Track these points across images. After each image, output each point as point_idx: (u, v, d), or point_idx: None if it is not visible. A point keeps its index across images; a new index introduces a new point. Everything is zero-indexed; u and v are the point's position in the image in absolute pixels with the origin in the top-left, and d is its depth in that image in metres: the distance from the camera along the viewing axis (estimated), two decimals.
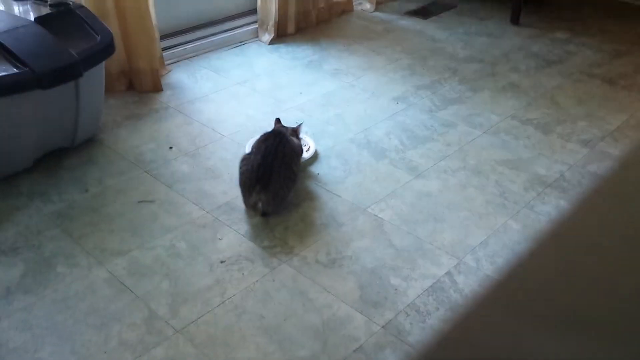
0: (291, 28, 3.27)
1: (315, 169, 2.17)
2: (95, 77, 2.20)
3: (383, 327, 1.54)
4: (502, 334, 0.31)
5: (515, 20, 3.41)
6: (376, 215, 1.93)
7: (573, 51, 3.09)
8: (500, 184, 2.07)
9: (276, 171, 1.88)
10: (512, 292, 0.34)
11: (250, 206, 1.92)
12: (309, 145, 2.25)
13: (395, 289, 1.65)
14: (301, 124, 2.18)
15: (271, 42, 3.18)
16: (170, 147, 2.29)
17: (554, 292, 0.34)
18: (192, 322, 1.55)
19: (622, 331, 0.31)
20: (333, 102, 2.62)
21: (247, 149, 2.15)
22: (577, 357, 0.28)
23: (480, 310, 0.34)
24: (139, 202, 1.99)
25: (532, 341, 0.30)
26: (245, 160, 1.96)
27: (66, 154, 2.23)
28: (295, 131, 2.12)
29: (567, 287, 0.34)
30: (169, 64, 2.92)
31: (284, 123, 2.16)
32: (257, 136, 2.07)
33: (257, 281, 1.68)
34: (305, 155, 2.18)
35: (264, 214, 1.91)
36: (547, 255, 0.37)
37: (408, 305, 1.60)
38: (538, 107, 2.56)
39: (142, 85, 2.67)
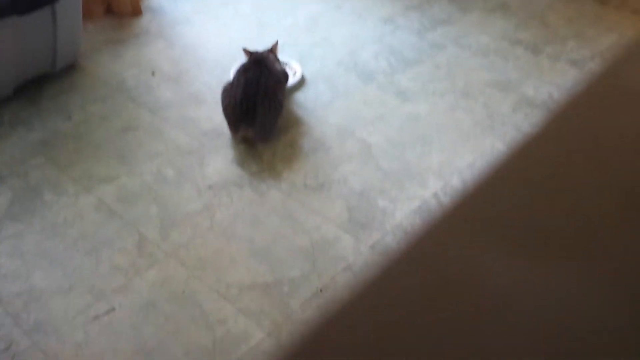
0: None
1: (303, 93, 2.14)
2: (72, 1, 2.11)
3: (371, 246, 1.56)
4: (459, 251, 0.31)
5: None
6: (364, 139, 1.92)
7: None
8: (489, 105, 2.06)
9: (260, 103, 1.84)
10: (475, 209, 0.34)
11: (238, 139, 1.90)
12: (295, 69, 2.21)
13: (383, 211, 1.67)
14: (276, 41, 2.09)
15: None
16: (153, 73, 2.24)
17: (516, 209, 0.33)
18: (182, 246, 1.56)
19: (582, 250, 0.30)
20: (319, 25, 2.55)
21: (231, 75, 2.10)
22: (534, 274, 0.28)
23: (440, 227, 0.33)
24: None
25: (490, 259, 0.30)
26: (227, 91, 1.91)
27: (47, 81, 2.18)
28: (272, 51, 2.05)
29: (530, 203, 0.33)
30: None
31: (266, 47, 2.11)
32: (239, 62, 2.01)
33: (245, 206, 1.68)
34: (292, 80, 2.14)
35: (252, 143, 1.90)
36: (513, 170, 0.37)
37: (395, 226, 1.62)
38: (528, 27, 2.52)
39: (121, 9, 2.58)
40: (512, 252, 0.30)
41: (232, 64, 2.20)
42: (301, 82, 2.18)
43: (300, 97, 2.12)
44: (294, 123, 2.00)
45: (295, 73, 2.18)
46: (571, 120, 0.41)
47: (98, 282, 1.47)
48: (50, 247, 1.56)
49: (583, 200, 0.34)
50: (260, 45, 2.09)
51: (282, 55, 2.13)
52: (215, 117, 2.00)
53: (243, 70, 1.93)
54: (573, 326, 0.24)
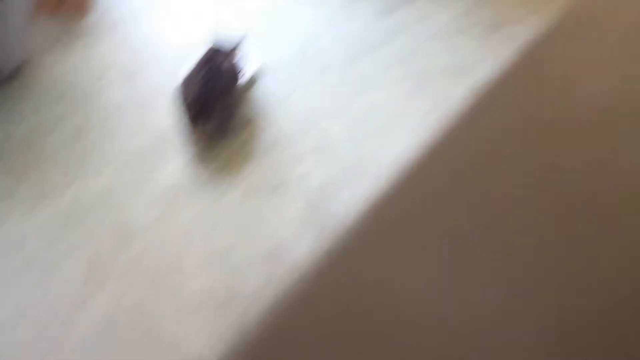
0: None
1: (261, 84, 2.10)
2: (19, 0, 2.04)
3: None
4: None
5: None
6: (324, 131, 1.89)
7: None
8: (445, 94, 2.04)
9: (215, 100, 1.79)
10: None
11: (195, 136, 1.86)
12: (252, 60, 2.16)
13: (345, 205, 1.65)
14: (242, 38, 2.04)
15: None
16: (105, 72, 2.17)
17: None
18: (138, 256, 1.53)
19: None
20: (276, 12, 2.50)
21: (187, 69, 2.05)
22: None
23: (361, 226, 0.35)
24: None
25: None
26: (183, 87, 1.86)
27: None
28: (234, 51, 2.00)
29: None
30: None
31: (225, 36, 2.05)
32: (194, 59, 1.96)
33: (203, 209, 1.66)
34: (250, 71, 2.09)
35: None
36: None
37: None
38: (485, 7, 2.49)
39: (69, 7, 2.50)
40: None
41: (187, 59, 2.15)
42: (259, 73, 2.14)
43: (258, 88, 2.08)
44: (253, 117, 1.96)
45: (252, 64, 2.14)
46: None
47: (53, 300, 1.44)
48: (1, 265, 1.52)
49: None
50: (217, 36, 2.04)
51: (239, 46, 2.08)
52: (170, 117, 1.96)
53: (197, 69, 1.88)
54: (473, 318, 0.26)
